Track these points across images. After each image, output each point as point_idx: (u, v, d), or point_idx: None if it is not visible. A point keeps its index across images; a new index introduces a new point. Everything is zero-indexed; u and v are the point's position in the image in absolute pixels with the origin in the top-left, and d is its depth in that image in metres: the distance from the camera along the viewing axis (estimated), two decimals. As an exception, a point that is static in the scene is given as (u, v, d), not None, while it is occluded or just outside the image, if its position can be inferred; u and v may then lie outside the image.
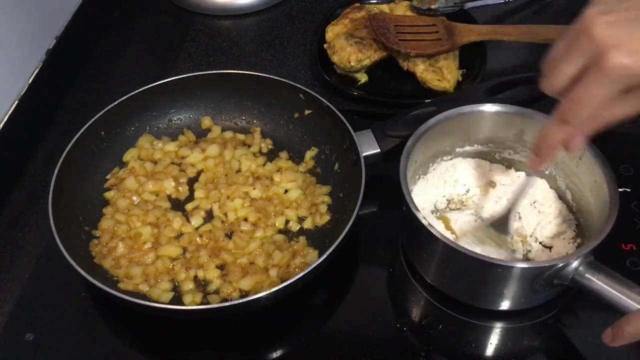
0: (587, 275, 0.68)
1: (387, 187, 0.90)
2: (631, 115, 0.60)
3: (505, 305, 0.76)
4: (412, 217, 0.72)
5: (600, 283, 0.68)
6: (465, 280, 0.75)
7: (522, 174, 0.85)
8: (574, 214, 0.82)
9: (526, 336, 0.77)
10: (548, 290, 0.73)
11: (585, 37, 0.57)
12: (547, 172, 0.84)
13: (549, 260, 0.70)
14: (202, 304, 0.78)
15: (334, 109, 0.89)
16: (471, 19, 1.10)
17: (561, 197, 0.83)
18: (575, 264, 0.69)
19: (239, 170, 0.92)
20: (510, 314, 0.77)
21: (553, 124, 0.63)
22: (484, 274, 0.72)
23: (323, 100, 0.91)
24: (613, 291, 0.67)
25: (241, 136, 0.96)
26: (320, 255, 0.76)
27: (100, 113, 0.90)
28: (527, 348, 0.76)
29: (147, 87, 0.94)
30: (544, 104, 0.90)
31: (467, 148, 0.86)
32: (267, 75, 0.95)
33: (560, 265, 0.69)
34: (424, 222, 0.71)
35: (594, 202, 0.76)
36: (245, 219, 0.87)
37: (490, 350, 0.76)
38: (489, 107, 0.82)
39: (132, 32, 1.19)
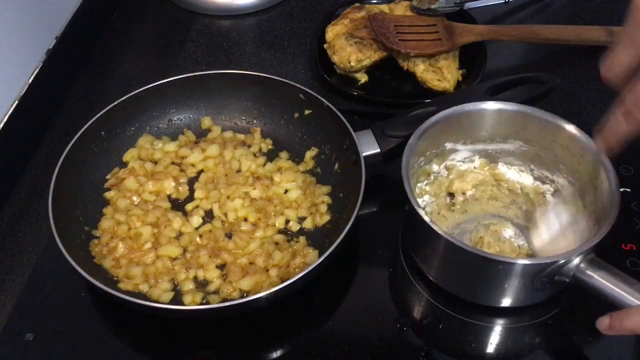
0: (588, 272, 0.69)
1: (387, 187, 0.90)
2: None
3: (506, 302, 0.76)
4: (414, 214, 0.73)
5: (601, 280, 0.68)
6: (467, 277, 0.76)
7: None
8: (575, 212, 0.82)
9: (526, 336, 0.77)
10: (549, 287, 0.73)
11: None
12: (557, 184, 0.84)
13: (550, 256, 0.70)
14: (202, 304, 0.78)
15: (334, 109, 0.89)
16: (471, 19, 1.10)
17: (562, 195, 0.83)
18: (576, 260, 0.69)
19: (239, 170, 0.92)
20: (510, 313, 0.78)
21: (618, 115, 0.60)
22: (486, 270, 0.72)
23: (323, 100, 0.91)
24: (614, 288, 0.67)
25: (241, 136, 0.96)
26: (320, 255, 0.76)
27: (100, 113, 0.90)
28: (527, 348, 0.77)
29: (147, 87, 0.94)
30: (544, 103, 0.91)
31: (471, 147, 0.86)
32: (267, 75, 0.95)
33: (561, 261, 0.69)
34: (425, 218, 0.72)
35: (595, 200, 0.76)
36: (245, 219, 0.87)
37: (490, 349, 0.76)
38: (492, 105, 0.82)
39: (132, 32, 1.19)
